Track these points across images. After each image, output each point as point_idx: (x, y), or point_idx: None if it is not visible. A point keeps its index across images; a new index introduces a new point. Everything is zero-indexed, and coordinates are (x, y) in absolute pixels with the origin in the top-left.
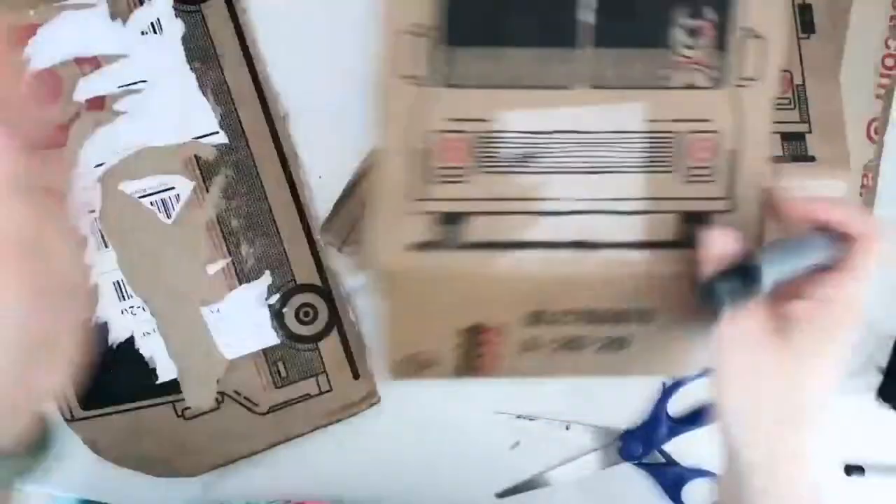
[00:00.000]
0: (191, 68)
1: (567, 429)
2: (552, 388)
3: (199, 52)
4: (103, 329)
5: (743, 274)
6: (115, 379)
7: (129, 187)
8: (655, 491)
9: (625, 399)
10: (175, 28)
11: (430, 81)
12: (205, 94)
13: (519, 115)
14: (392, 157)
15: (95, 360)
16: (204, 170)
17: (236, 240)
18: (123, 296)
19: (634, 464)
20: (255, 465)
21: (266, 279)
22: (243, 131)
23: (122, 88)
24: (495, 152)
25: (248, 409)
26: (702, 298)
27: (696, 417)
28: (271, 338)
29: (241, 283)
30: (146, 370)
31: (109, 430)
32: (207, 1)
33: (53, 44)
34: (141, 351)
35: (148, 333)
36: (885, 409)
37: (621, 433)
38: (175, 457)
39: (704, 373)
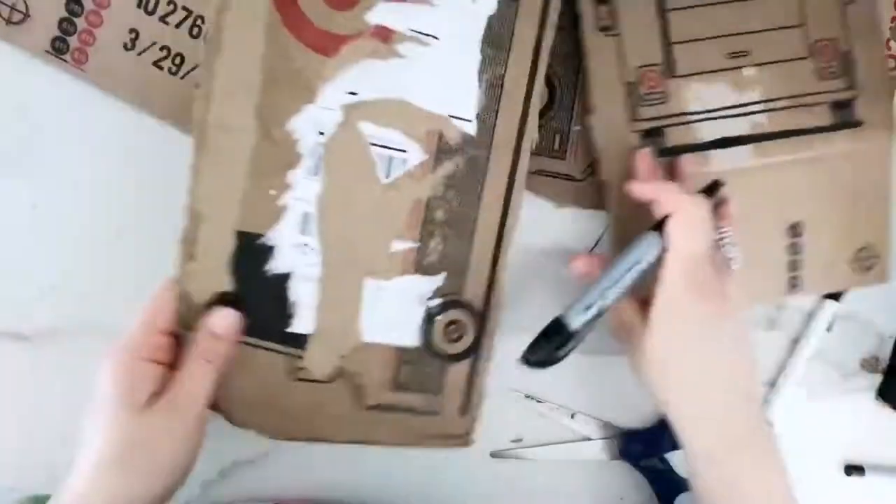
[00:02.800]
0: (480, 49)
1: (572, 417)
2: (565, 379)
3: (496, 39)
4: (267, 252)
5: (548, 338)
6: (250, 306)
7: (368, 129)
8: (647, 492)
9: (637, 401)
10: (486, 6)
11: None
12: (480, 80)
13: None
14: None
15: (243, 275)
16: (441, 149)
17: (432, 230)
18: (304, 230)
19: (632, 464)
20: (255, 465)
21: (439, 280)
22: (494, 134)
23: (412, 33)
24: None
25: (356, 396)
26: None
27: None
28: (413, 338)
29: (415, 273)
30: (283, 313)
31: None
32: None
33: None
34: (289, 292)
35: (306, 278)
36: (885, 409)
37: (625, 431)
38: (259, 409)
39: None
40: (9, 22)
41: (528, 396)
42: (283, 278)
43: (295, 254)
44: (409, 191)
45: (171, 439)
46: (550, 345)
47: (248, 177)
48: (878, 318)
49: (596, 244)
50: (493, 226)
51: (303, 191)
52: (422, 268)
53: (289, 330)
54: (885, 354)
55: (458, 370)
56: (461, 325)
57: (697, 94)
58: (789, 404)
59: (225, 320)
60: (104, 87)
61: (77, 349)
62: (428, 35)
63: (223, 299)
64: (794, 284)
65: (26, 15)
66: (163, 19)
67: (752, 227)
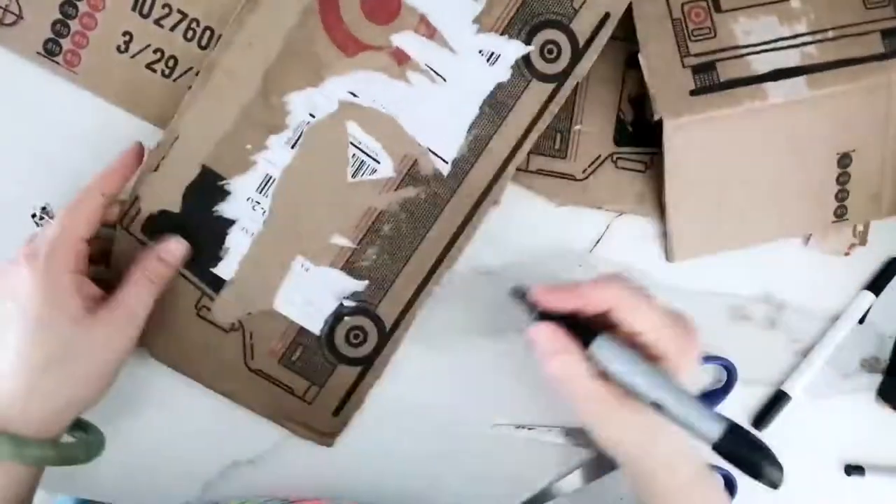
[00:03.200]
0: (480, 106)
1: (567, 434)
2: (549, 396)
3: (498, 103)
4: (222, 195)
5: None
6: (188, 234)
7: (353, 129)
8: None
9: None
10: (501, 72)
11: None
12: (469, 131)
13: None
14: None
15: (193, 205)
16: (411, 174)
17: (373, 239)
18: (262, 191)
19: None
20: (255, 465)
21: (361, 285)
22: (462, 182)
23: (426, 67)
24: None
25: (244, 354)
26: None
27: None
28: (317, 328)
29: (341, 269)
30: (214, 253)
31: None
32: (539, 83)
33: None
34: (227, 238)
35: (246, 231)
36: (885, 409)
37: None
38: (157, 331)
39: (705, 360)
40: (1, 24)
41: (519, 427)
42: (227, 223)
43: (245, 206)
44: (367, 197)
45: (110, 350)
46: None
47: (233, 124)
48: (878, 318)
49: (596, 244)
50: (430, 260)
51: (275, 156)
52: (350, 268)
53: (212, 270)
54: (885, 354)
55: (347, 373)
56: (364, 334)
57: (745, 28)
58: (790, 404)
59: (177, 248)
60: (95, 90)
61: None
62: (439, 75)
63: (163, 220)
64: (839, 214)
65: (19, 17)
66: (158, 22)
67: (803, 157)
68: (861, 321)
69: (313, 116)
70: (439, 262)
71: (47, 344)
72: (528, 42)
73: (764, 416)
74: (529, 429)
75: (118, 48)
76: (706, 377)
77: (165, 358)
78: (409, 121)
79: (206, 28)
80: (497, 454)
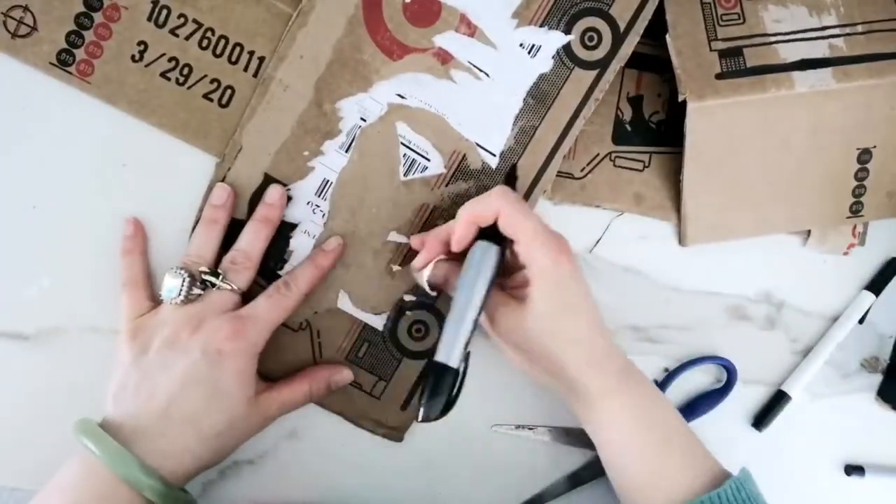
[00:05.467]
0: (524, 98)
1: (566, 435)
2: (548, 397)
3: (541, 94)
4: (286, 199)
5: (439, 387)
6: None
7: (403, 129)
8: None
9: None
10: (543, 63)
11: None
12: (515, 123)
13: None
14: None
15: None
16: (460, 169)
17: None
18: (321, 194)
19: None
20: (255, 465)
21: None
22: (512, 175)
23: (469, 64)
24: None
25: (314, 353)
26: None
27: (696, 407)
28: (380, 323)
29: (400, 265)
30: (279, 256)
31: None
32: (581, 70)
33: None
34: (292, 240)
35: (308, 234)
36: (885, 409)
37: None
38: None
39: (704, 360)
40: (14, 35)
41: (518, 427)
42: (290, 227)
43: (306, 210)
44: (419, 194)
45: (257, 427)
46: (445, 392)
47: (291, 132)
48: (878, 318)
49: (596, 244)
50: None
51: (331, 160)
52: (407, 263)
53: (279, 272)
54: (885, 354)
55: (412, 366)
56: (426, 327)
57: (774, 16)
58: (790, 404)
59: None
60: (108, 99)
61: (77, 349)
62: (482, 71)
63: (231, 227)
64: (855, 210)
65: (33, 28)
66: (173, 32)
67: (823, 150)
68: (861, 321)
69: (364, 120)
70: None
71: (222, 416)
72: (567, 31)
73: (764, 416)
74: (529, 429)
75: (132, 57)
76: (706, 377)
77: None
78: (456, 117)
79: (222, 37)
80: (497, 454)
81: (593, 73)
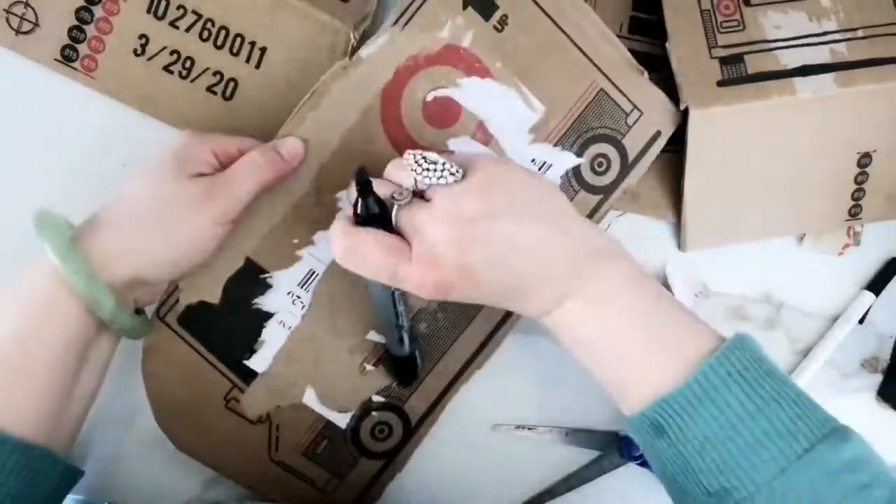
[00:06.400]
0: None
1: (567, 434)
2: (549, 396)
3: None
4: (264, 287)
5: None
6: (225, 324)
7: None
8: (659, 488)
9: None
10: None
11: None
12: None
13: None
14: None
15: (232, 296)
16: None
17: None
18: (304, 286)
19: (638, 463)
20: None
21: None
22: None
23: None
24: None
25: (269, 447)
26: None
27: None
28: (343, 421)
29: (374, 365)
30: (248, 346)
31: (171, 352)
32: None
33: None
34: (264, 330)
35: (283, 325)
36: (885, 409)
37: (622, 435)
38: (181, 416)
39: None
40: (18, 32)
41: (519, 426)
42: (265, 316)
43: (286, 300)
44: (406, 296)
45: (203, 215)
46: (412, 372)
47: (282, 218)
48: (878, 318)
49: None
50: (462, 359)
51: (321, 252)
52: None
53: (245, 362)
54: (885, 354)
55: (370, 465)
56: (389, 428)
57: (774, 22)
58: None
59: (294, 146)
60: (113, 94)
61: None
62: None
63: (201, 311)
64: (853, 213)
65: (35, 24)
66: (173, 24)
67: (824, 154)
68: (861, 321)
69: None
70: (470, 361)
71: (156, 197)
72: (579, 154)
73: None
74: (529, 429)
75: (135, 51)
76: None
77: (188, 447)
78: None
79: (222, 28)
80: (497, 454)
81: (597, 198)
